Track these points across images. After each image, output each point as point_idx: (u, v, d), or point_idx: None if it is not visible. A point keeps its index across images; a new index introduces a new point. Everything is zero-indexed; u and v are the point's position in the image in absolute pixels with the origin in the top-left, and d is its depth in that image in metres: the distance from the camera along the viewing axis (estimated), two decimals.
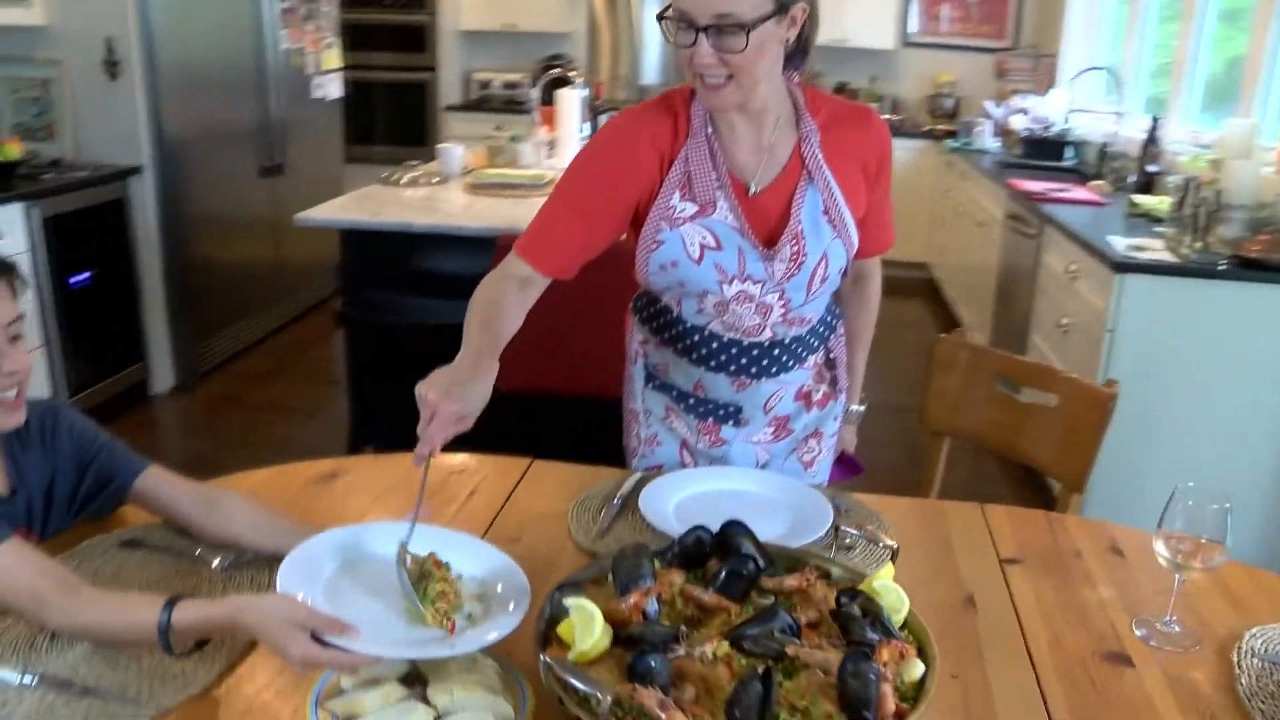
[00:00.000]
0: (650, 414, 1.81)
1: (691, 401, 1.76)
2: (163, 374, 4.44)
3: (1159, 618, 1.35)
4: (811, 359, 1.74)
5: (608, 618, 1.16)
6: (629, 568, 1.21)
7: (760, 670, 1.02)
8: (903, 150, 6.47)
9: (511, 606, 1.23)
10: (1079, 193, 4.22)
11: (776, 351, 1.68)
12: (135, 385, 4.31)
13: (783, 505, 1.59)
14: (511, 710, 1.10)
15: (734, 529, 1.30)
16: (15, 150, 3.64)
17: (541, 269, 1.55)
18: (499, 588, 1.29)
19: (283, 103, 5.11)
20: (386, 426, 3.42)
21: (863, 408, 1.91)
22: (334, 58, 5.65)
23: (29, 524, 1.49)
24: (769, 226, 1.57)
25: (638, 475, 1.70)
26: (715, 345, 1.68)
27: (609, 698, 1.00)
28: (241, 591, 1.38)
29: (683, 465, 1.78)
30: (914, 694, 1.06)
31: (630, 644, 1.10)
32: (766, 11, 1.41)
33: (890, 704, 1.03)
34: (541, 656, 1.06)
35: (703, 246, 1.56)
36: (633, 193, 1.56)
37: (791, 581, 1.23)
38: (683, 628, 1.14)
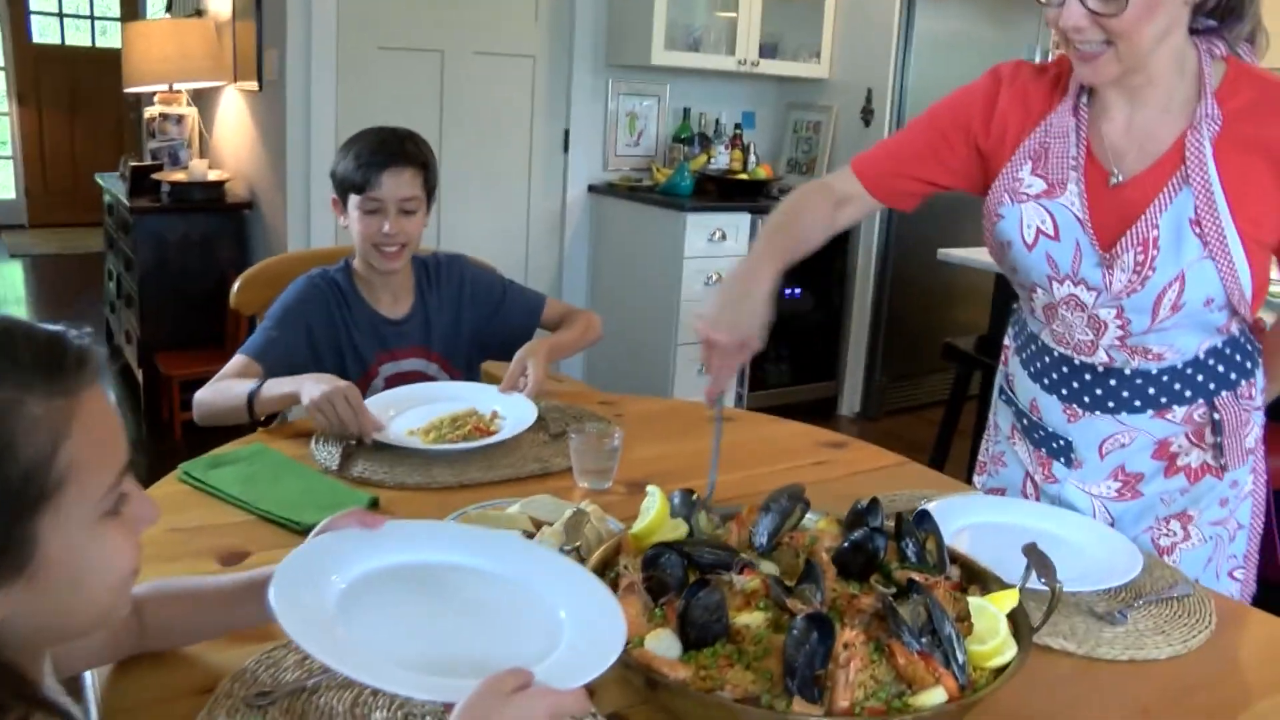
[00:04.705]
0: (999, 429, 1.55)
1: (1026, 424, 1.47)
2: (851, 398, 4.81)
3: None
4: (1179, 411, 1.33)
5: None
6: (773, 497, 1.14)
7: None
8: None
9: None
10: None
11: (1114, 382, 1.33)
12: (824, 399, 4.74)
13: (1084, 553, 1.24)
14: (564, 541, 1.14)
15: (920, 520, 1.10)
16: (764, 172, 4.33)
17: (868, 184, 1.42)
18: None
19: None
20: None
21: None
22: None
23: (427, 344, 1.88)
24: (1122, 226, 1.25)
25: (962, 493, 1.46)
26: (1047, 360, 1.39)
27: (576, 544, 1.10)
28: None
29: (1024, 497, 1.47)
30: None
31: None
32: None
33: (841, 695, 0.82)
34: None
35: (1039, 231, 1.30)
36: (972, 133, 1.36)
37: (917, 577, 1.01)
38: (745, 557, 1.03)
